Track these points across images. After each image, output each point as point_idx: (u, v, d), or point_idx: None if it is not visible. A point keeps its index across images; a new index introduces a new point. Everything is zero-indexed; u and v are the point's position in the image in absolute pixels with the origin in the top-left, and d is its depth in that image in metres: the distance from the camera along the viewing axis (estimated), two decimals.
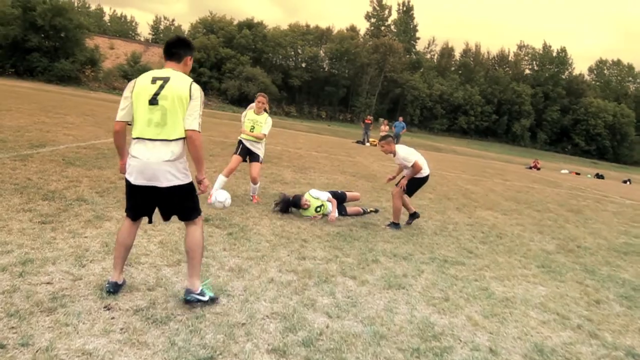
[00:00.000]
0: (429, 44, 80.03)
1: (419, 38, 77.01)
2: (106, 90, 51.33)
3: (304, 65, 67.66)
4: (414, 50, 76.00)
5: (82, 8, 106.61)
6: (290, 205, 5.98)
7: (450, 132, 66.93)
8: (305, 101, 67.91)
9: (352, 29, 70.04)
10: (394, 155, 6.17)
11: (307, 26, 68.40)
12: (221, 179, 6.28)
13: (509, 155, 48.91)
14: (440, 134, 64.95)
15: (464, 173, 16.22)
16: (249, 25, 65.22)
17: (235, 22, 65.93)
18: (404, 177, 6.33)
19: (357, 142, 25.71)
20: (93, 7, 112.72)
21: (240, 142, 6.48)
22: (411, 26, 75.75)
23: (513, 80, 71.04)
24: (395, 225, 6.06)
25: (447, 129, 67.50)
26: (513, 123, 69.01)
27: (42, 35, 52.07)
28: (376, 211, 6.94)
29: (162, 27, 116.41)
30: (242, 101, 56.45)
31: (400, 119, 25.53)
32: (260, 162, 6.51)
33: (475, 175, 16.05)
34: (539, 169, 27.61)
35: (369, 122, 26.04)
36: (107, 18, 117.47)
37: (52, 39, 52.92)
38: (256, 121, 6.36)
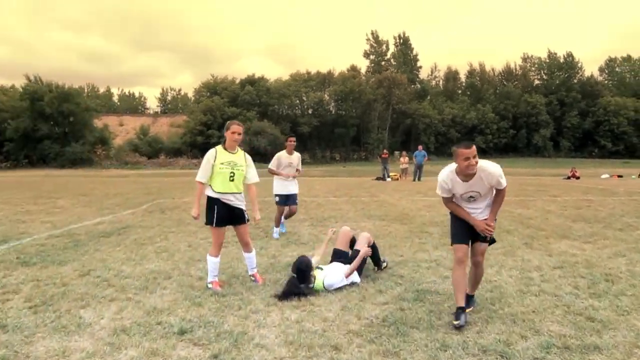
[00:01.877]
0: (431, 71, 79.49)
1: (420, 67, 76.61)
2: (118, 166, 51.23)
3: (310, 111, 67.33)
4: (417, 79, 75.38)
5: (91, 92, 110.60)
6: (302, 281, 4.28)
7: None
8: (316, 146, 67.07)
9: (353, 68, 69.98)
10: (473, 175, 3.66)
11: (308, 73, 68.58)
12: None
13: (537, 168, 46.48)
14: None
15: None
16: (251, 81, 65.64)
17: (237, 81, 66.49)
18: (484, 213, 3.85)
19: (378, 178, 24.00)
20: (102, 89, 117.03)
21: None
22: (410, 57, 75.50)
23: (524, 92, 69.33)
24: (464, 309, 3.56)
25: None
26: (532, 135, 66.70)
27: (51, 122, 52.82)
28: (385, 266, 5.18)
29: (169, 97, 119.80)
30: (255, 156, 55.41)
31: (420, 147, 23.84)
32: (247, 221, 4.80)
33: (517, 196, 14.08)
34: (578, 177, 25.34)
35: (386, 156, 24.41)
36: (115, 98, 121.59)
37: (61, 125, 53.62)
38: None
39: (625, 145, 66.21)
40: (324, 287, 4.29)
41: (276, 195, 7.71)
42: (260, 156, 56.71)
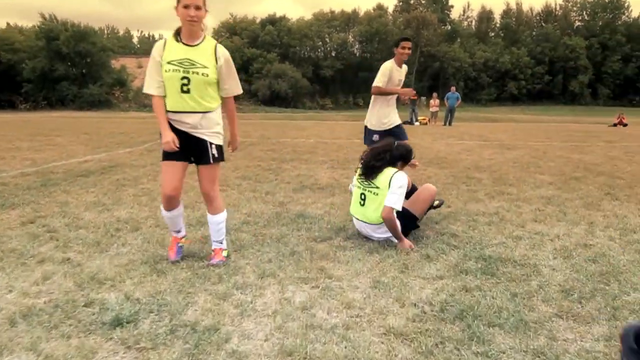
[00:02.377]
0: (464, 11, 74.55)
1: (452, 6, 71.74)
2: (137, 108, 50.23)
3: (333, 54, 64.39)
4: (448, 19, 70.82)
5: (111, 34, 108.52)
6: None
7: (500, 101, 61.59)
8: (339, 91, 64.64)
9: (380, 7, 65.91)
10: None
11: (332, 12, 64.96)
12: None
13: (573, 116, 43.59)
14: (489, 105, 59.82)
15: (550, 140, 12.57)
16: (271, 21, 62.69)
17: (257, 21, 63.59)
18: None
19: (405, 122, 22.20)
20: (121, 31, 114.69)
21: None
22: None
23: (564, 34, 64.53)
24: None
25: (496, 98, 62.18)
26: (570, 81, 62.68)
27: (68, 63, 51.69)
28: (438, 205, 3.91)
29: None
30: (275, 100, 54.01)
31: (453, 88, 21.79)
32: (215, 161, 2.96)
33: (566, 141, 12.37)
34: (625, 124, 23.11)
35: (415, 97, 22.50)
36: (135, 40, 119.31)
37: (78, 66, 52.49)
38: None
39: None
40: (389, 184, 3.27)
41: (374, 131, 5.09)
42: (281, 100, 55.02)
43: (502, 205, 4.46)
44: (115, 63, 57.37)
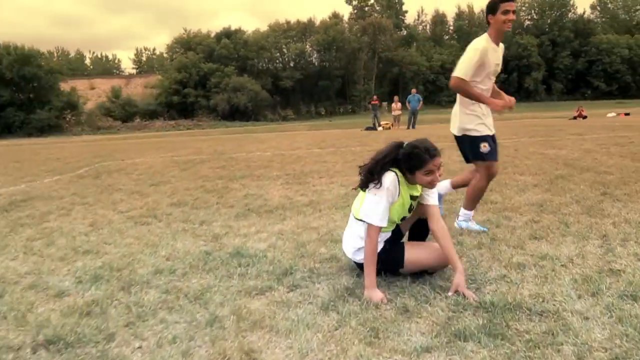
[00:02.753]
0: (418, 16, 75.90)
1: (406, 11, 72.82)
2: (90, 132, 48.00)
3: (292, 64, 63.92)
4: (403, 24, 71.74)
5: (62, 56, 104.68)
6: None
7: None
8: (300, 101, 64.10)
9: (335, 15, 66.05)
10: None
11: (288, 23, 64.58)
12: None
13: (532, 112, 44.28)
14: (449, 106, 60.02)
15: (517, 137, 12.08)
16: (227, 34, 61.62)
17: (212, 35, 62.35)
18: None
19: (368, 128, 21.64)
20: (72, 53, 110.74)
21: None
22: (396, 1, 71.41)
23: (515, 34, 66.19)
24: None
25: (455, 99, 62.86)
26: (524, 78, 64.31)
27: (13, 88, 49.03)
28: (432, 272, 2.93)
29: (144, 58, 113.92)
30: (235, 114, 52.76)
31: (414, 90, 21.35)
32: None
33: (534, 136, 11.91)
34: (585, 117, 23.25)
35: (377, 102, 21.94)
36: (88, 61, 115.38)
37: (24, 91, 49.88)
38: None
39: (619, 85, 64.24)
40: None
41: (482, 138, 3.46)
42: (242, 114, 53.78)
43: (489, 218, 3.65)
44: (65, 86, 54.81)
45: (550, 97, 63.88)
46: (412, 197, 2.49)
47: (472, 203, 3.48)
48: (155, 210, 4.67)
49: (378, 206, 2.33)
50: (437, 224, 2.41)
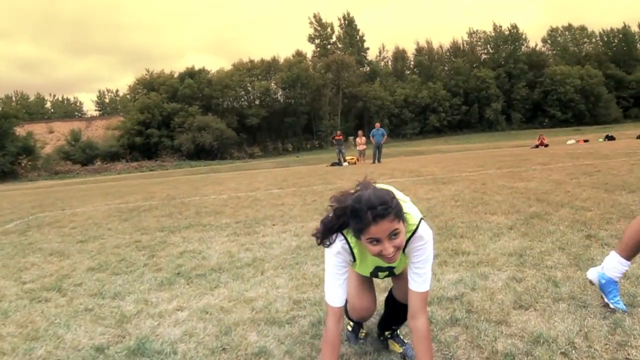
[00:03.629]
0: (379, 52, 77.60)
1: (368, 48, 74.40)
2: (47, 177, 45.90)
3: (257, 102, 63.87)
4: (366, 61, 73.20)
5: (21, 100, 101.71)
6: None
7: (424, 134, 63.46)
8: (267, 138, 63.74)
9: (299, 54, 66.78)
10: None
11: (252, 61, 64.82)
12: None
13: (493, 142, 45.21)
14: (414, 138, 61.35)
15: (484, 168, 11.76)
16: (190, 74, 61.28)
17: (176, 75, 61.88)
18: None
19: (333, 164, 21.19)
20: (32, 97, 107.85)
21: None
22: (357, 38, 73.14)
23: (473, 67, 68.56)
24: None
25: (420, 132, 64.07)
26: (484, 110, 66.13)
27: None
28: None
29: (107, 100, 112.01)
30: (200, 153, 51.78)
31: (377, 125, 21.08)
32: None
33: (500, 168, 11.62)
34: (546, 145, 23.56)
35: (340, 137, 21.60)
36: (49, 105, 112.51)
37: None
38: None
39: (574, 113, 66.77)
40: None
41: None
42: (207, 153, 52.80)
43: (463, 278, 3.02)
44: (21, 130, 52.72)
45: (511, 127, 65.70)
46: (385, 268, 1.94)
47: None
48: (65, 279, 3.84)
49: (326, 277, 1.81)
50: (414, 319, 1.77)
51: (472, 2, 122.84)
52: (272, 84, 63.90)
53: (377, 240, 1.60)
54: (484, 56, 73.68)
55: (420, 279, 1.77)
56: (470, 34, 74.48)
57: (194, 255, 4.41)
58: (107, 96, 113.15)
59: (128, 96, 65.88)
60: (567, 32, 78.03)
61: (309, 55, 69.39)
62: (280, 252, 4.24)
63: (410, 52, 75.25)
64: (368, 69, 71.65)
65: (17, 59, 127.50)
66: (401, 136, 61.64)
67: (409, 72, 73.99)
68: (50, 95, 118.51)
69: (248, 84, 62.71)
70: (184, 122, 53.98)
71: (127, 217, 7.72)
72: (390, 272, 1.97)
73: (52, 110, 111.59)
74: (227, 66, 66.85)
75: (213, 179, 17.99)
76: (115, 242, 5.42)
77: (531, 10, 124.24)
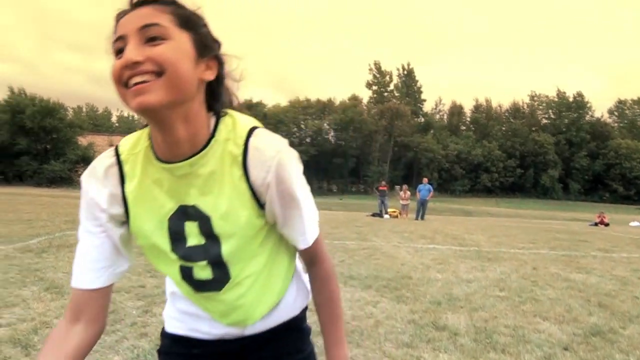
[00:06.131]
0: (436, 105, 77.35)
1: (424, 100, 74.33)
2: None
3: (308, 140, 64.57)
4: (421, 112, 72.96)
5: (90, 112, 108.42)
6: None
7: (474, 193, 61.53)
8: (313, 176, 63.88)
9: (355, 98, 67.57)
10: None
11: (308, 100, 66.10)
12: None
13: (548, 211, 42.89)
14: (463, 196, 59.53)
15: (535, 246, 10.74)
16: (248, 106, 62.61)
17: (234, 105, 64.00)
18: None
19: (374, 214, 20.48)
20: (100, 110, 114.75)
21: None
22: (414, 89, 73.33)
23: (532, 131, 66.59)
24: None
25: (470, 190, 62.22)
26: (540, 175, 63.58)
27: (32, 137, 49.78)
28: None
29: None
30: None
31: (425, 180, 20.30)
32: None
33: (554, 248, 10.56)
34: (607, 224, 21.80)
35: (384, 188, 20.95)
36: (114, 119, 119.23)
37: (42, 141, 50.63)
38: None
39: (638, 190, 62.90)
40: None
41: None
42: None
43: None
44: (84, 140, 55.67)
45: (568, 197, 62.65)
46: (192, 212, 0.92)
47: None
48: (41, 330, 3.41)
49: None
50: (315, 282, 1.08)
51: (536, 66, 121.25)
52: (325, 124, 64.67)
53: (122, 44, 0.79)
54: (544, 120, 71.67)
55: (296, 233, 1.00)
56: (532, 97, 72.97)
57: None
58: None
59: None
60: (635, 106, 74.77)
61: (365, 100, 70.15)
62: None
63: (468, 107, 74.60)
64: (423, 120, 71.29)
65: (93, 74, 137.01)
66: (450, 192, 60.06)
67: (464, 128, 72.96)
68: (117, 110, 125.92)
69: (301, 122, 63.77)
70: None
71: None
72: (205, 224, 0.91)
73: (116, 124, 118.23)
74: (284, 102, 68.55)
75: None
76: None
77: (598, 80, 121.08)
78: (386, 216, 19.95)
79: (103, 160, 0.94)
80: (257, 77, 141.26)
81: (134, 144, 0.94)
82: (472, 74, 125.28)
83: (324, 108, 65.62)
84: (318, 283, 1.08)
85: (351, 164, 62.89)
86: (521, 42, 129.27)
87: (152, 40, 0.78)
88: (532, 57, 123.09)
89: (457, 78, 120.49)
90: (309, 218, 1.00)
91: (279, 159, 0.89)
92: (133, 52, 0.76)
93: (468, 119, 74.07)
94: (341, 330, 1.09)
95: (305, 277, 1.17)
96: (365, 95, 72.64)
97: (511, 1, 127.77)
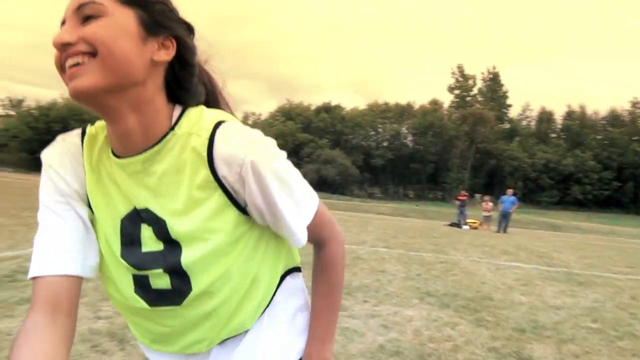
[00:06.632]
0: (523, 111, 73.03)
1: (510, 105, 70.57)
2: None
3: (385, 144, 64.03)
4: (506, 118, 69.41)
5: None
6: None
7: (563, 205, 57.33)
8: (389, 181, 63.28)
9: (435, 102, 65.92)
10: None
11: (386, 104, 65.57)
12: None
13: None
14: (551, 208, 55.68)
15: (635, 271, 9.76)
16: (326, 109, 64.09)
17: (312, 107, 65.13)
18: None
19: (452, 224, 19.82)
20: None
21: None
22: (500, 93, 69.87)
23: (632, 140, 60.79)
24: None
25: (559, 202, 58.06)
26: None
27: None
28: None
29: (250, 122, 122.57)
30: (322, 185, 53.13)
31: (510, 191, 19.27)
32: None
33: None
34: None
35: (464, 197, 20.18)
36: None
37: None
38: None
39: None
40: None
41: None
42: (329, 186, 53.97)
43: None
44: None
45: None
46: (146, 216, 0.82)
47: None
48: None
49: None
50: (316, 268, 0.97)
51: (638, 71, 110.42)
52: (403, 129, 63.76)
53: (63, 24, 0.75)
54: None
55: (285, 233, 0.87)
56: (633, 104, 66.50)
57: None
58: (250, 118, 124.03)
59: (269, 121, 70.92)
60: None
61: (446, 104, 68.11)
62: (358, 350, 3.61)
63: (558, 114, 69.64)
64: (508, 126, 67.76)
65: None
66: (536, 203, 56.53)
67: (554, 135, 68.34)
68: None
69: (379, 125, 63.41)
70: (312, 153, 56.20)
71: None
72: (161, 228, 0.80)
73: None
74: (362, 105, 68.55)
75: None
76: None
77: None
78: (465, 227, 19.21)
79: (70, 138, 0.87)
80: (336, 80, 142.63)
81: (100, 130, 0.85)
82: (563, 79, 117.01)
83: (402, 112, 64.74)
84: (319, 269, 0.96)
85: (429, 170, 61.40)
86: (621, 44, 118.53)
87: (87, 19, 0.71)
88: (634, 62, 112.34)
89: (546, 83, 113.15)
90: (295, 214, 0.84)
91: (251, 155, 0.76)
92: (65, 33, 0.71)
93: (559, 126, 69.25)
94: (329, 326, 0.95)
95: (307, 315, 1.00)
96: (447, 99, 70.58)
97: (608, 1, 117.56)
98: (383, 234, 13.33)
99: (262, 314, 0.91)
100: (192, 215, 0.78)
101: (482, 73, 70.02)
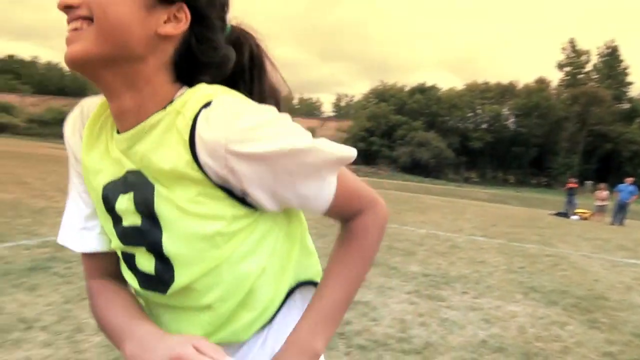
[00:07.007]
0: None
1: (631, 83, 62.99)
2: None
3: (484, 126, 60.81)
4: (625, 97, 62.17)
5: None
6: None
7: None
8: (488, 165, 60.18)
9: (541, 80, 60.95)
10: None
11: (486, 84, 61.97)
12: None
13: None
14: None
15: None
16: (421, 90, 62.28)
17: (406, 89, 63.64)
18: None
19: (558, 213, 18.39)
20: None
21: None
22: (618, 70, 62.62)
23: None
24: None
25: None
26: None
27: None
28: None
29: (343, 103, 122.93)
30: (415, 168, 52.09)
31: (629, 180, 17.34)
32: None
33: None
34: None
35: (575, 186, 18.57)
36: (296, 101, 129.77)
37: None
38: None
39: None
40: None
41: None
42: (422, 169, 52.69)
43: None
44: None
45: None
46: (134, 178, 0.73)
47: None
48: (11, 332, 2.94)
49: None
50: (341, 237, 0.81)
51: None
52: (505, 110, 59.96)
53: None
54: None
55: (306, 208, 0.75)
56: None
57: (366, 312, 4.05)
58: (343, 100, 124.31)
59: (362, 102, 70.70)
60: None
61: (554, 83, 62.65)
62: (458, 343, 3.54)
63: None
64: (628, 106, 60.74)
65: (277, 59, 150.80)
66: None
67: None
68: (299, 93, 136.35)
69: (478, 107, 60.28)
70: (405, 135, 55.15)
71: None
72: (142, 194, 0.72)
73: (298, 106, 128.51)
74: (459, 85, 65.64)
75: (417, 203, 17.58)
76: None
77: None
78: (574, 217, 17.72)
79: (91, 101, 0.81)
80: (430, 59, 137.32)
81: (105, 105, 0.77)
82: None
83: (504, 92, 60.78)
84: (343, 237, 0.79)
85: (533, 153, 57.25)
86: None
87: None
88: None
89: None
90: (304, 199, 0.72)
91: (233, 143, 0.63)
92: None
93: None
94: (333, 310, 0.75)
95: None
96: (555, 77, 64.88)
97: None
98: (481, 221, 12.78)
99: (261, 330, 0.79)
100: (176, 194, 0.68)
101: (598, 47, 63.22)
